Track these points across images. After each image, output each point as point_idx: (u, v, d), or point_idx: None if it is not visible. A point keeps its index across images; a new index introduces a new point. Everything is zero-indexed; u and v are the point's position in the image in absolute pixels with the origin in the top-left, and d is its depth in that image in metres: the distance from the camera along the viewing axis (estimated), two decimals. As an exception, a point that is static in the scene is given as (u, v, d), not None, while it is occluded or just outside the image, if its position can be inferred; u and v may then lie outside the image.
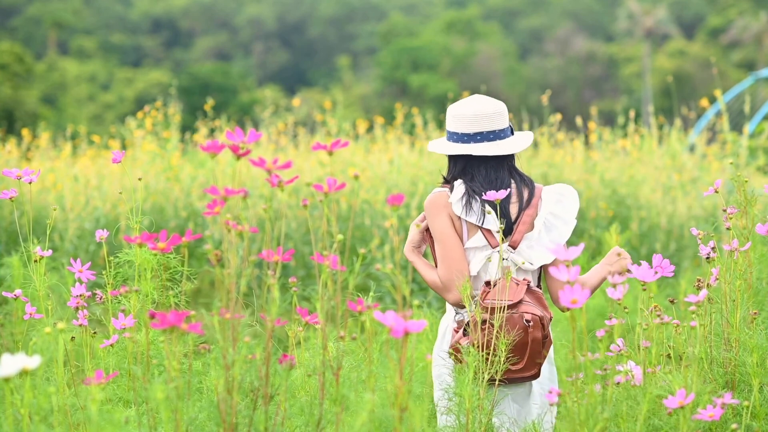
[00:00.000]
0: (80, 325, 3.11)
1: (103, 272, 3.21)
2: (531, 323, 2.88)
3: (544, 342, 2.93)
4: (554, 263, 3.04)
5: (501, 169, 3.07)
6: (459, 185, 3.04)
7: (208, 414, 2.38)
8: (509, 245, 3.02)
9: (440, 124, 11.51)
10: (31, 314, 3.07)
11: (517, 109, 25.01)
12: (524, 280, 2.96)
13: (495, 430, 2.88)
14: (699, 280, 2.94)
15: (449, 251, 3.00)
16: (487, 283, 2.97)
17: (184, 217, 8.96)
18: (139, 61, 51.01)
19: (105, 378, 2.26)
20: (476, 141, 3.04)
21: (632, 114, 10.61)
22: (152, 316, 2.16)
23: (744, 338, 2.89)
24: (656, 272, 2.65)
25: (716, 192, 3.13)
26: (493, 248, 3.01)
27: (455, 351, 2.96)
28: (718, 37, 43.64)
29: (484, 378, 2.80)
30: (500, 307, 2.87)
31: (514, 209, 3.05)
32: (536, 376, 2.98)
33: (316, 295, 2.40)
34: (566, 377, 2.41)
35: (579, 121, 10.74)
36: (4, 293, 3.14)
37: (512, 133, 3.13)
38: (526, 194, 3.07)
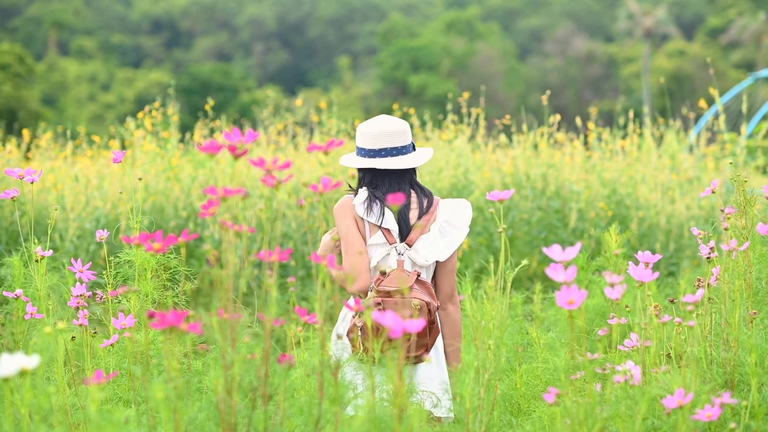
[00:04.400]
0: (80, 325, 3.12)
1: (104, 272, 3.22)
2: (419, 307, 3.26)
3: (431, 328, 3.31)
4: (451, 261, 3.46)
5: (403, 181, 3.51)
6: (363, 191, 3.49)
7: (207, 414, 2.38)
8: (406, 243, 3.45)
9: (439, 124, 11.51)
10: (31, 314, 3.07)
11: (517, 109, 25.01)
12: (414, 271, 3.38)
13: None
14: (699, 280, 2.95)
15: (352, 246, 3.42)
16: (383, 273, 3.38)
17: (184, 217, 8.95)
18: (139, 62, 51.02)
19: (105, 378, 2.26)
20: (381, 156, 3.48)
21: (631, 114, 10.59)
22: (152, 316, 2.17)
23: (743, 338, 2.89)
24: (653, 270, 2.66)
25: (713, 192, 3.15)
26: (391, 245, 3.45)
27: (350, 332, 3.34)
28: (717, 38, 43.64)
29: (374, 358, 2.99)
30: (393, 291, 3.28)
31: (413, 215, 3.50)
32: (421, 359, 3.34)
33: (315, 295, 2.40)
34: (566, 377, 2.41)
35: (578, 121, 10.73)
36: (4, 293, 3.15)
37: (414, 149, 3.56)
38: (425, 202, 3.52)
